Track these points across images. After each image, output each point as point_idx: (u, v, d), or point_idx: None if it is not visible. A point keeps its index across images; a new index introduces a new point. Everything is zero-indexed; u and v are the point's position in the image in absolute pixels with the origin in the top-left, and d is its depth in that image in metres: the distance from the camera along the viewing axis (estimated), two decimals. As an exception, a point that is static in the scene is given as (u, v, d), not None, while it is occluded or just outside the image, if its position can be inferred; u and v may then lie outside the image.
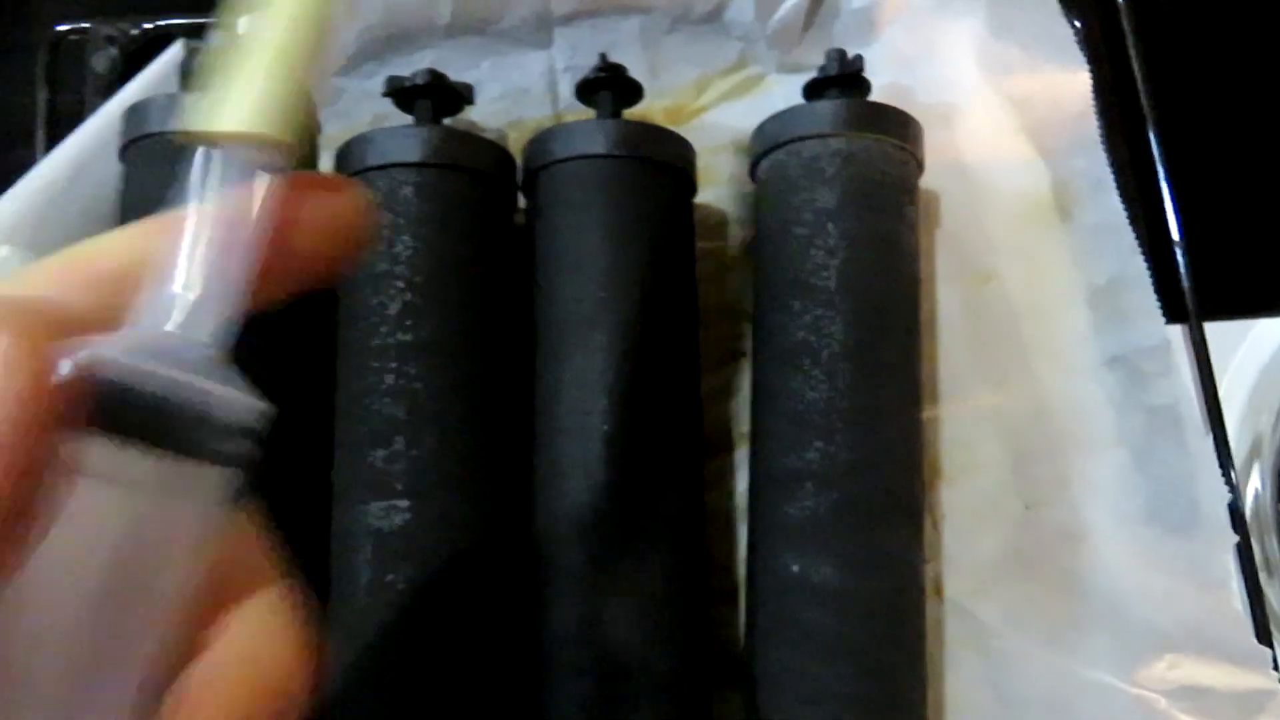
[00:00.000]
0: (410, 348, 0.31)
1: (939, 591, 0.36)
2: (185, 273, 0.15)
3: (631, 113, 0.38)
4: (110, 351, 0.14)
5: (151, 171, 0.32)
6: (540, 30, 0.39)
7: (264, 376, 0.33)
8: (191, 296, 0.15)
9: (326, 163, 0.35)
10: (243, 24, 0.16)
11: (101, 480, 0.14)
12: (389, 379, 0.31)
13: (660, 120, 0.40)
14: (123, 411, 0.14)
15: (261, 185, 0.16)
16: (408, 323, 0.31)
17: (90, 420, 0.13)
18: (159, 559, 0.14)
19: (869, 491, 0.31)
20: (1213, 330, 0.39)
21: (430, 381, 0.31)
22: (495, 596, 0.31)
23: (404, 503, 0.30)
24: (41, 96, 0.37)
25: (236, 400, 0.15)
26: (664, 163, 0.34)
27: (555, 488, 0.32)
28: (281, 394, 0.33)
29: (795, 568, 0.31)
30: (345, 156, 0.33)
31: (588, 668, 0.30)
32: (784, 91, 0.40)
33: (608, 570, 0.31)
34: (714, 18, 0.39)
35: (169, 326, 0.15)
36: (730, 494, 0.37)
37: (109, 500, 0.14)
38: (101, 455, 0.13)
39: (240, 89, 0.16)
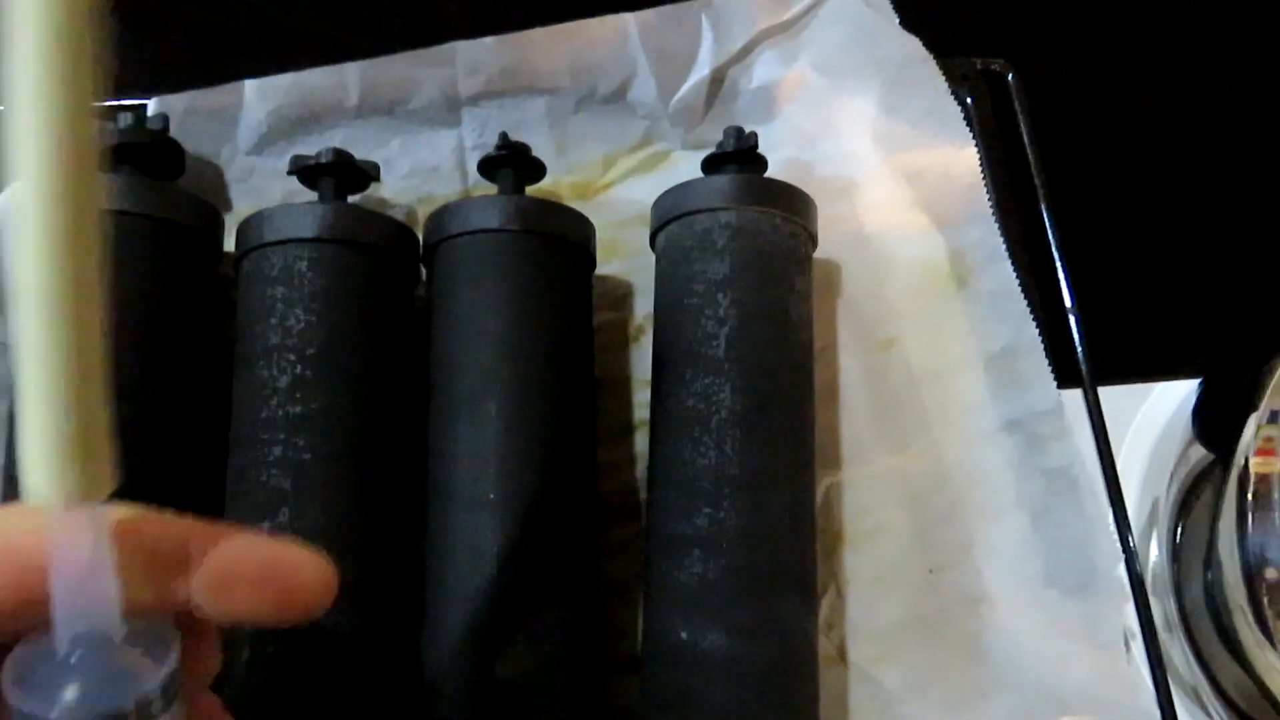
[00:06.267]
0: (299, 420, 0.31)
1: (843, 658, 0.36)
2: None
3: (540, 188, 0.39)
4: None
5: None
6: (449, 110, 0.40)
7: (158, 455, 0.33)
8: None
9: (230, 239, 0.35)
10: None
11: None
12: (276, 450, 0.31)
13: (568, 196, 0.41)
14: None
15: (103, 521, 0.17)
16: (297, 395, 0.31)
17: None
18: None
19: (757, 558, 0.32)
20: (1113, 394, 0.40)
21: (318, 453, 0.31)
22: (385, 667, 0.31)
23: (290, 575, 0.30)
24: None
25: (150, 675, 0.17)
26: (560, 237, 0.35)
27: (446, 557, 0.32)
28: (174, 468, 0.33)
29: (684, 634, 0.31)
30: (244, 233, 0.34)
31: (474, 740, 0.30)
32: (689, 167, 0.41)
33: (500, 639, 0.31)
34: (618, 97, 0.41)
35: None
36: (634, 562, 0.37)
37: None
38: None
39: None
